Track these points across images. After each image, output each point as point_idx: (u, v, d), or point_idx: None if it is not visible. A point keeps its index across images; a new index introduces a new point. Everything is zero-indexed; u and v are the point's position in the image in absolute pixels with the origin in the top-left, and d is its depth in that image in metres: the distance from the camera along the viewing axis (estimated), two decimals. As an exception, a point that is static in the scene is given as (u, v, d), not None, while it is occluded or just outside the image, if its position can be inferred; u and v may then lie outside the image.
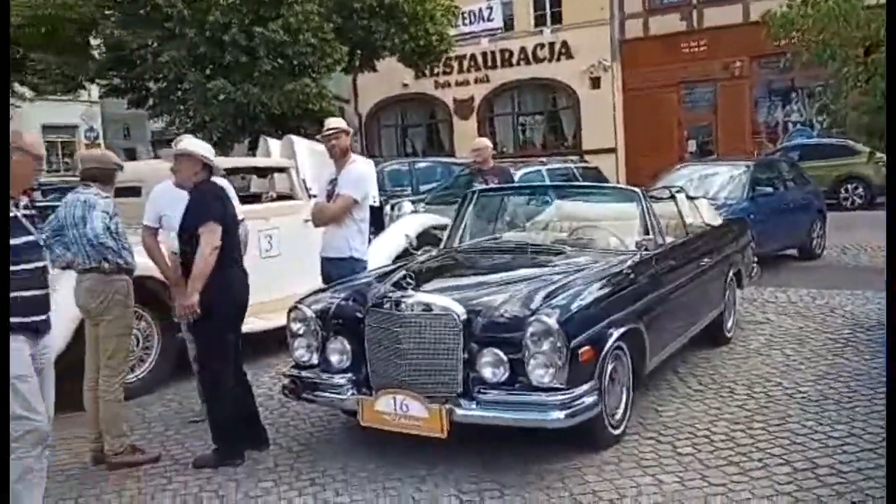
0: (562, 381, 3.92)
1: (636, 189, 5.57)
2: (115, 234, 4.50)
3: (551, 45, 24.00)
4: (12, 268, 3.37)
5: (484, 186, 7.05)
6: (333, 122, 5.66)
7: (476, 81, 25.37)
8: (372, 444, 4.51)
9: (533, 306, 4.09)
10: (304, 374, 4.59)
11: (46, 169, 32.10)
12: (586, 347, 4.01)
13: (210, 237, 4.33)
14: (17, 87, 21.48)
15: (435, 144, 26.55)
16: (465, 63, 25.03)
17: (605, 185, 6.07)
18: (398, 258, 7.55)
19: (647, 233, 5.18)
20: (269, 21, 14.43)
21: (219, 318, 4.43)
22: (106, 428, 4.55)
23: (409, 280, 4.25)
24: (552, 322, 3.92)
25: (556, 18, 23.97)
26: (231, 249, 4.45)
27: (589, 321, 4.14)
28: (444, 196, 11.69)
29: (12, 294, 3.36)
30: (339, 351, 4.49)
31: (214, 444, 4.52)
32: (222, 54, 14.69)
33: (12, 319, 3.37)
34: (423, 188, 13.76)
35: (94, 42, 15.95)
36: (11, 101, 21.42)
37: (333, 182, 5.56)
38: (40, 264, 3.52)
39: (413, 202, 9.35)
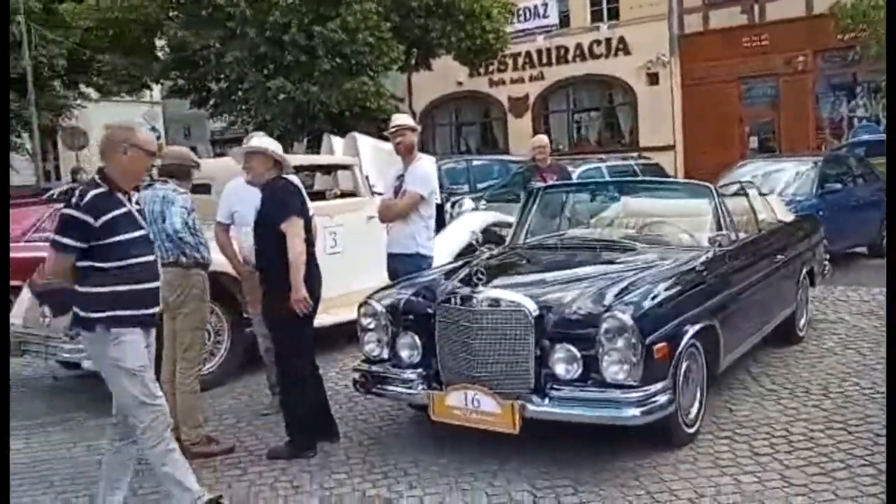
0: (636, 378, 3.87)
1: (708, 184, 5.48)
2: (192, 230, 4.60)
3: (608, 40, 23.74)
4: (128, 262, 3.46)
5: (543, 184, 7.02)
6: (400, 119, 5.69)
7: (531, 79, 25.24)
8: (441, 438, 4.52)
9: (606, 302, 4.05)
10: (374, 368, 4.63)
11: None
12: (661, 344, 3.96)
13: (295, 230, 4.41)
14: (82, 87, 22.21)
15: (489, 142, 26.52)
16: (520, 60, 24.92)
17: (675, 180, 5.98)
18: (459, 255, 7.58)
19: (719, 229, 5.09)
20: (327, 20, 14.57)
21: (297, 313, 4.49)
22: (182, 419, 4.65)
23: (480, 275, 4.24)
24: (626, 318, 3.87)
25: (613, 14, 23.70)
26: (308, 244, 4.52)
27: (663, 318, 4.09)
28: (502, 193, 11.68)
29: (128, 287, 3.46)
30: (409, 346, 4.51)
31: (288, 436, 4.58)
32: (282, 54, 14.89)
33: (127, 312, 3.47)
34: (479, 186, 13.76)
35: (158, 43, 16.32)
36: (79, 101, 22.14)
37: (400, 178, 5.60)
38: (151, 258, 3.60)
39: (474, 200, 9.35)
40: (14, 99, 19.40)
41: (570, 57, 24.51)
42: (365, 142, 8.03)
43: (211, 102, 17.13)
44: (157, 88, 24.13)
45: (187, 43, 14.76)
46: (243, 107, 15.69)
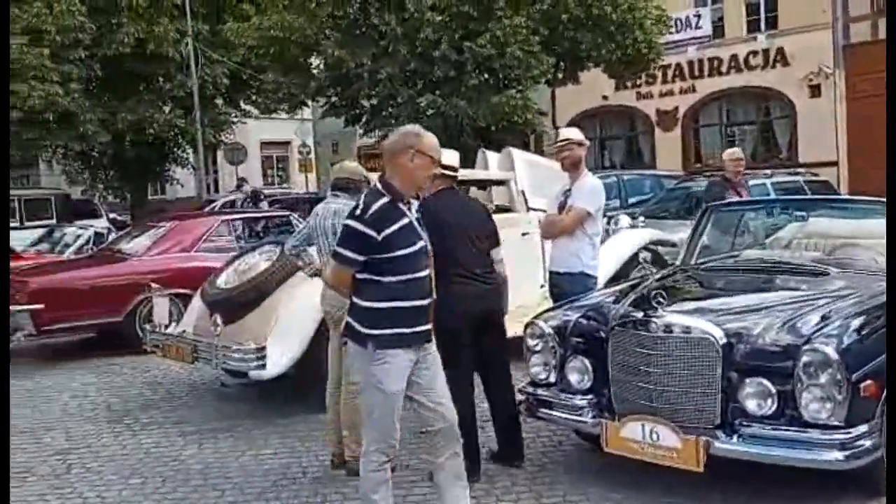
0: (840, 418, 3.50)
1: (909, 204, 4.96)
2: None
3: (765, 51, 22.60)
4: (407, 276, 3.31)
5: (736, 199, 6.67)
6: (566, 133, 5.53)
7: (681, 91, 24.38)
8: (611, 469, 4.28)
9: (804, 333, 3.69)
10: (540, 392, 4.45)
11: (263, 182, 34.81)
12: (869, 382, 3.56)
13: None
14: (242, 105, 23.39)
15: (635, 156, 25.82)
16: (670, 73, 24.10)
17: (869, 198, 5.47)
18: (617, 274, 7.29)
19: (924, 253, 4.58)
20: (477, 36, 14.60)
21: (445, 333, 4.36)
22: (348, 433, 4.63)
23: (661, 299, 3.98)
24: (830, 351, 3.51)
25: (772, 23, 22.53)
26: (450, 265, 4.25)
27: (869, 352, 3.68)
28: (657, 209, 11.26)
29: (404, 304, 3.31)
30: (579, 370, 4.30)
31: (451, 457, 4.47)
32: (431, 70, 15.05)
33: (399, 330, 3.31)
34: (630, 201, 13.37)
35: (313, 62, 16.86)
36: (239, 118, 23.32)
37: (566, 194, 5.42)
38: (427, 272, 3.42)
39: (632, 216, 9.02)
40: (180, 116, 20.66)
41: (723, 68, 23.50)
42: (520, 157, 7.90)
43: (363, 119, 17.56)
44: (311, 105, 25.00)
45: (342, 61, 15.17)
46: (394, 122, 15.96)
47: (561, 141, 5.42)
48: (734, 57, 23.27)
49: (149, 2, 20.01)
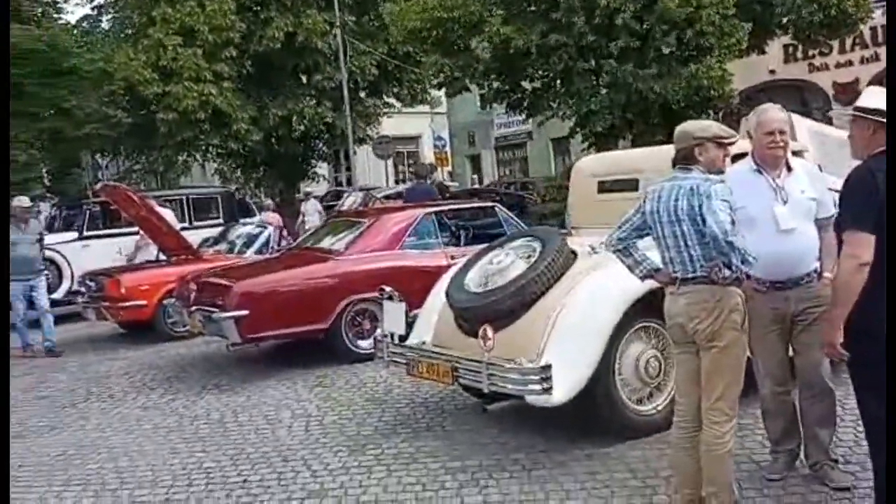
0: None
1: None
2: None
3: (967, 7, 19.99)
4: None
5: None
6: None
7: (862, 61, 21.96)
8: None
9: None
10: None
11: (395, 179, 34.16)
12: None
13: (852, 250, 3.04)
14: (385, 97, 22.67)
15: (808, 135, 23.57)
16: (848, 41, 21.75)
17: None
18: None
19: None
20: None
21: (880, 350, 3.11)
22: (714, 492, 3.43)
23: None
24: None
25: (975, -25, 19.90)
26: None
27: None
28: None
29: None
30: None
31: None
32: (609, 42, 13.69)
33: None
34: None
35: (475, 43, 15.74)
36: (386, 111, 22.62)
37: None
38: None
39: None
40: (329, 109, 20.09)
41: (914, 31, 21.01)
42: (803, 125, 6.52)
43: (525, 104, 16.35)
44: (438, 96, 23.97)
45: (510, 39, 13.98)
46: (565, 101, 14.68)
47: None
48: (927, 16, 20.77)
49: (296, -6, 19.58)
